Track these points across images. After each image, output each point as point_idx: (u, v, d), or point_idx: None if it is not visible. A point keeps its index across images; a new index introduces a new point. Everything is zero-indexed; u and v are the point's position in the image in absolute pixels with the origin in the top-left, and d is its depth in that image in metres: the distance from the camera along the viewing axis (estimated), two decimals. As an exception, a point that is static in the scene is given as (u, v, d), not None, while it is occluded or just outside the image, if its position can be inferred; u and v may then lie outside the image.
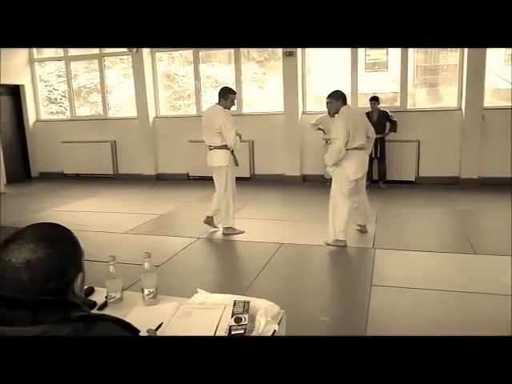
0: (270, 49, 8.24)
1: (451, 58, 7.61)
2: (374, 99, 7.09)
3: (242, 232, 4.97)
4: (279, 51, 7.87)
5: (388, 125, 7.14)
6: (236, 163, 4.85)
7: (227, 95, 4.77)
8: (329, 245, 4.53)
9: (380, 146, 7.19)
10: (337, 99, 4.43)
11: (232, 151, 4.80)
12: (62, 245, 1.05)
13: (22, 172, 9.32)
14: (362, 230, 4.93)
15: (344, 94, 4.52)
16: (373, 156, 7.22)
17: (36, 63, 9.37)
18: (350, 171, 4.41)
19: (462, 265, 3.99)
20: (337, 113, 4.44)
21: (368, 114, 7.16)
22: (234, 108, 7.95)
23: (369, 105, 7.19)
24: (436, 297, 3.35)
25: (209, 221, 5.05)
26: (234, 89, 8.16)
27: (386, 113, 7.13)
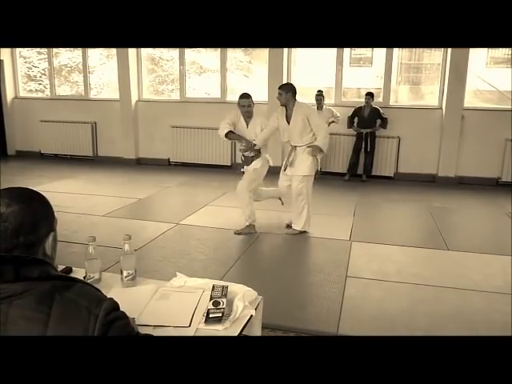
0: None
1: (435, 57, 7.71)
2: (370, 95, 7.12)
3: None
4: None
5: (379, 121, 7.22)
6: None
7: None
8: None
9: (370, 140, 7.30)
10: (286, 92, 4.43)
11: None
12: (34, 202, 1.10)
13: (-3, 149, 9.09)
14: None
15: (295, 89, 4.50)
16: (362, 150, 7.33)
17: (16, 38, 9.09)
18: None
19: (435, 260, 4.10)
20: (285, 105, 4.49)
21: (360, 109, 7.23)
22: (217, 96, 8.07)
23: (352, 99, 7.27)
24: (407, 289, 3.43)
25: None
26: (219, 76, 8.18)
27: (378, 110, 7.19)
